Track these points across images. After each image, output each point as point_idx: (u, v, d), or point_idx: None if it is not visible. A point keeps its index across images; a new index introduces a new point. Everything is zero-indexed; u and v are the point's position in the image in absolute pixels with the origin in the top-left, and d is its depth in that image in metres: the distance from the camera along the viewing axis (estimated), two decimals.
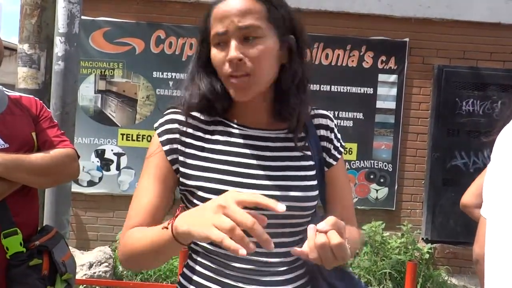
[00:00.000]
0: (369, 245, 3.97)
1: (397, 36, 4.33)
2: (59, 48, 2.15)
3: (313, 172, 1.02)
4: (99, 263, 3.64)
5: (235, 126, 1.02)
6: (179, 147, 0.99)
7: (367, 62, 4.33)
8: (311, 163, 1.02)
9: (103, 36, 4.24)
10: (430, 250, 4.14)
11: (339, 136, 1.10)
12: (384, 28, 4.32)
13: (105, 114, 4.26)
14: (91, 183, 4.25)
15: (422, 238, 4.35)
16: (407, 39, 4.33)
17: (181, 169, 0.98)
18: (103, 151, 4.26)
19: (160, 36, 4.26)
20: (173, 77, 4.27)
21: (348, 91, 4.33)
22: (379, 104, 4.34)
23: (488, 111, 4.33)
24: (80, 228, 4.28)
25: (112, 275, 3.68)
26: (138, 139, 4.26)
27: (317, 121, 1.08)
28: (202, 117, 1.02)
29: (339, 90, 4.33)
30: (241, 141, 1.00)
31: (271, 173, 0.97)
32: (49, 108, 1.78)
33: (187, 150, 0.99)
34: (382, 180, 4.32)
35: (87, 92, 4.25)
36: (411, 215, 4.41)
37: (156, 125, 1.03)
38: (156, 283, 3.66)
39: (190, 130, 1.00)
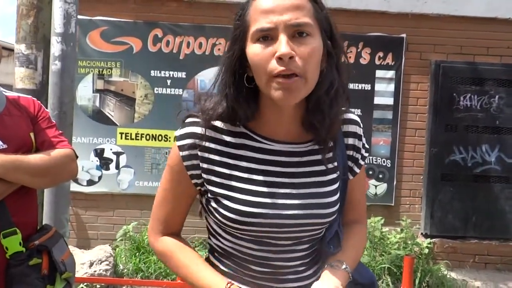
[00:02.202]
0: (369, 240, 3.99)
1: (394, 32, 4.34)
2: (55, 48, 2.15)
3: (336, 185, 0.99)
4: (99, 262, 3.65)
5: (262, 140, 0.96)
6: (201, 163, 0.96)
7: (365, 59, 4.33)
8: (336, 175, 0.99)
9: (100, 36, 4.24)
10: (429, 245, 4.16)
11: (364, 142, 1.06)
12: (381, 24, 4.32)
13: (104, 113, 4.27)
14: (90, 182, 4.26)
15: (421, 233, 4.36)
16: (404, 35, 4.33)
17: (206, 185, 0.96)
18: (102, 150, 4.27)
19: (158, 35, 4.26)
20: (171, 75, 4.28)
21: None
22: (377, 100, 4.34)
23: (486, 106, 4.34)
24: (80, 227, 4.29)
25: (112, 273, 3.70)
26: (137, 137, 4.27)
27: (346, 128, 1.02)
28: (225, 127, 0.96)
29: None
30: (268, 157, 0.95)
31: (296, 191, 0.94)
32: (46, 108, 1.78)
33: (210, 167, 0.96)
34: (381, 176, 4.33)
35: (85, 92, 4.25)
36: (410, 211, 4.42)
37: (176, 135, 0.99)
38: (156, 280, 3.68)
39: (212, 145, 0.95)
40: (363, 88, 4.34)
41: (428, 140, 4.35)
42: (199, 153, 0.95)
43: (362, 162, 1.06)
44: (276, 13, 0.84)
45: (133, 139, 4.27)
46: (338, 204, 0.99)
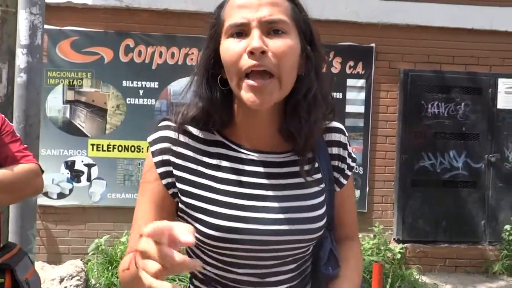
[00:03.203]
0: None
1: (364, 41, 4.44)
2: (21, 60, 2.11)
3: (322, 198, 0.91)
4: (70, 277, 3.56)
5: (238, 149, 0.89)
6: (174, 170, 0.87)
7: (336, 68, 4.41)
8: (321, 187, 0.91)
9: (70, 46, 4.17)
10: (401, 250, 4.23)
11: (351, 151, 1.00)
12: (351, 34, 4.41)
13: (74, 125, 4.19)
14: (61, 195, 4.16)
15: (394, 239, 4.44)
16: (373, 45, 4.44)
17: (180, 196, 0.88)
18: (73, 162, 4.18)
19: (129, 45, 4.23)
20: (143, 85, 4.24)
21: None
22: (348, 108, 4.42)
23: (452, 113, 4.47)
24: (51, 242, 4.18)
25: None
26: (109, 149, 4.20)
27: (328, 136, 0.96)
28: (199, 135, 0.89)
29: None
30: (245, 167, 0.88)
31: (278, 205, 0.86)
32: (11, 122, 1.74)
33: (183, 175, 0.87)
34: (353, 183, 4.38)
35: (55, 103, 4.17)
36: (382, 217, 4.50)
37: (149, 140, 0.90)
38: None
39: (186, 152, 0.88)
40: (334, 97, 4.40)
41: (398, 147, 4.45)
42: (172, 159, 0.87)
43: (349, 173, 0.99)
44: (251, 8, 0.81)
45: (105, 150, 4.20)
46: (325, 218, 0.91)
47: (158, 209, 0.87)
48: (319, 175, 0.92)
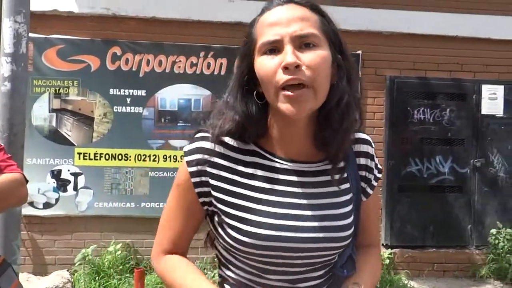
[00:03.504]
0: None
1: (351, 48, 4.44)
2: (5, 68, 2.09)
3: (351, 207, 0.94)
4: None
5: (273, 159, 0.92)
6: (210, 180, 0.91)
7: None
8: (349, 196, 0.95)
9: (56, 54, 4.14)
10: (390, 256, 4.25)
11: (377, 162, 1.03)
12: None
13: (61, 133, 4.15)
14: (47, 205, 4.11)
15: (382, 244, 4.46)
16: (360, 52, 4.49)
17: (217, 203, 0.91)
18: (59, 171, 4.13)
19: (116, 53, 4.21)
20: (131, 94, 4.23)
21: None
22: None
23: (438, 119, 4.53)
24: (37, 252, 4.11)
25: None
26: (96, 157, 4.17)
27: (357, 147, 0.99)
28: (235, 144, 0.92)
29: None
30: (281, 177, 0.91)
31: (313, 213, 0.89)
32: None
33: (219, 184, 0.91)
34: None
35: (41, 111, 4.13)
36: None
37: (185, 150, 0.94)
38: None
39: (222, 161, 0.91)
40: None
41: (385, 153, 4.49)
42: (208, 169, 0.91)
43: (375, 183, 1.01)
44: (282, 25, 0.84)
45: (91, 159, 4.16)
46: (353, 227, 0.94)
47: (187, 215, 0.94)
48: (347, 185, 0.95)
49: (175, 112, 4.29)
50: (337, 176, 0.93)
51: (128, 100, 4.22)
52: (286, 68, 0.82)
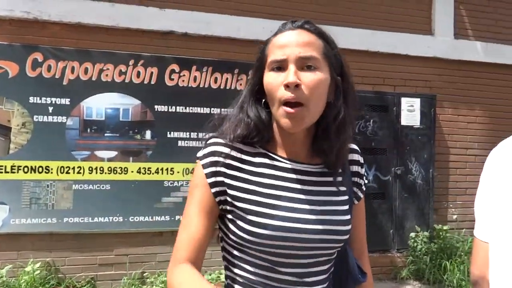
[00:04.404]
0: None
1: None
2: None
3: (348, 206, 1.04)
4: None
5: (279, 159, 1.03)
6: (225, 180, 0.99)
7: None
8: (346, 197, 1.05)
9: None
10: None
11: (364, 170, 1.15)
12: None
13: None
14: None
15: None
16: None
17: (232, 201, 0.99)
18: None
19: (38, 59, 3.97)
20: (53, 102, 3.99)
21: None
22: None
23: (363, 129, 4.78)
24: None
25: None
26: (13, 170, 3.87)
27: (351, 156, 1.10)
28: (245, 149, 1.03)
29: (221, 113, 4.41)
30: (287, 175, 1.01)
31: (315, 208, 0.99)
32: None
33: (233, 183, 1.00)
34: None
35: None
36: None
37: (199, 155, 1.03)
38: None
39: (234, 163, 1.01)
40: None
41: None
42: (223, 169, 0.99)
43: (364, 188, 1.14)
44: (289, 47, 0.97)
45: (8, 172, 3.86)
46: (351, 224, 1.04)
47: (206, 212, 0.99)
48: (344, 188, 1.06)
49: (102, 122, 4.12)
50: (338, 178, 1.04)
51: (50, 109, 3.99)
52: (287, 86, 0.94)
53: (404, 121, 4.93)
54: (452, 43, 5.20)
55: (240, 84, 4.48)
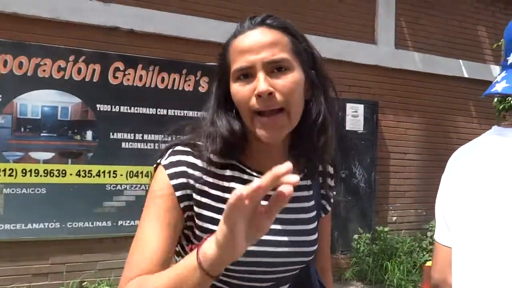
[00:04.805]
0: None
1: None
2: None
3: (315, 224, 0.97)
4: None
5: (252, 173, 0.92)
6: (194, 194, 0.88)
7: (203, 87, 4.43)
8: (315, 213, 0.98)
9: None
10: None
11: (333, 181, 1.05)
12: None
13: None
14: None
15: None
16: None
17: (197, 221, 0.88)
18: None
19: None
20: None
21: (186, 114, 4.34)
22: None
23: None
24: None
25: None
26: None
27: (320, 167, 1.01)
28: (214, 159, 0.90)
29: (176, 114, 4.30)
30: None
31: (283, 228, 0.91)
32: None
33: (203, 200, 0.89)
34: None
35: None
36: None
37: (165, 163, 0.89)
38: None
39: (205, 177, 0.89)
40: (202, 116, 4.40)
41: None
42: (192, 183, 0.88)
43: (332, 201, 1.05)
44: (253, 52, 0.85)
45: None
46: (317, 243, 0.96)
47: (170, 226, 0.86)
48: (313, 202, 0.98)
49: (38, 121, 3.83)
50: (310, 192, 0.96)
51: None
52: (259, 96, 0.84)
53: (348, 126, 5.08)
54: (393, 53, 5.46)
55: (188, 85, 4.38)
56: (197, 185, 0.88)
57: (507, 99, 4.52)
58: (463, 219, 0.98)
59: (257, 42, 0.86)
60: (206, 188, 0.89)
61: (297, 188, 0.91)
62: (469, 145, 1.07)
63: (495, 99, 4.71)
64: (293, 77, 0.86)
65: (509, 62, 0.97)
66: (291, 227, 0.92)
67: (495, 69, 5.85)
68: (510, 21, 1.04)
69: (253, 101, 0.85)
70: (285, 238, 0.91)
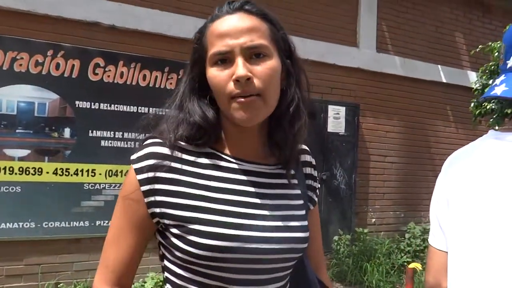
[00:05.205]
0: None
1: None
2: None
3: (304, 212, 0.95)
4: None
5: (230, 159, 0.91)
6: (163, 186, 0.86)
7: None
8: (302, 201, 0.96)
9: None
10: None
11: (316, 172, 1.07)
12: None
13: None
14: None
15: None
16: None
17: (167, 210, 0.85)
18: None
19: None
20: None
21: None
22: None
23: None
24: None
25: None
26: None
27: (303, 157, 1.01)
28: (189, 148, 0.90)
29: (157, 112, 4.22)
30: (238, 177, 0.90)
31: (273, 213, 0.89)
32: None
33: (175, 188, 0.86)
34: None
35: None
36: None
37: (133, 158, 0.88)
38: None
39: (177, 165, 0.87)
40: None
41: None
42: (162, 175, 0.86)
43: (318, 192, 1.05)
44: (232, 36, 0.84)
45: None
46: (309, 231, 0.94)
47: (137, 227, 0.88)
48: (299, 191, 0.96)
49: (13, 117, 3.69)
50: (292, 180, 0.95)
51: None
52: (237, 81, 0.83)
53: (330, 128, 5.10)
54: (374, 56, 5.52)
55: (171, 83, 4.31)
56: (169, 175, 0.87)
57: (483, 104, 4.63)
58: (460, 223, 0.97)
59: (236, 27, 0.85)
60: (180, 177, 0.87)
61: (274, 175, 0.94)
62: (465, 149, 1.06)
63: (472, 104, 4.82)
64: (271, 64, 0.86)
65: (508, 66, 0.97)
66: (278, 212, 0.90)
67: (472, 75, 5.99)
68: (508, 25, 1.05)
69: (231, 86, 0.84)
70: (273, 223, 0.88)
